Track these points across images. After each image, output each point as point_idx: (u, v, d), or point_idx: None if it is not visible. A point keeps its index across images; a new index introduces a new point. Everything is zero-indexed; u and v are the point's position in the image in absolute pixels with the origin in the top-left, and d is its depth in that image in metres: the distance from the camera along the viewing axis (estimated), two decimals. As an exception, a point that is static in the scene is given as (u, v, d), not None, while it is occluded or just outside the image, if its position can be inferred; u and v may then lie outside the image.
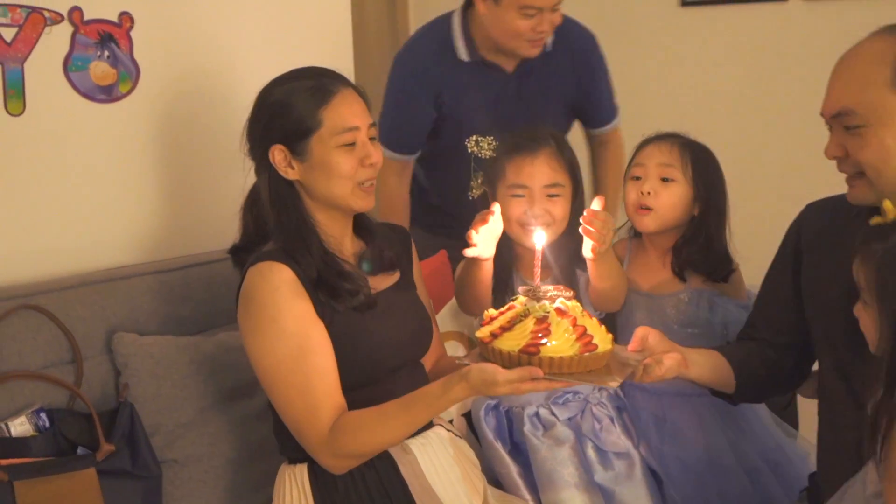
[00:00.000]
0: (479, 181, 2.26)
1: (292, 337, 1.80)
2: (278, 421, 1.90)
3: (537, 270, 1.79)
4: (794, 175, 3.26)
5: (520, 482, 2.08)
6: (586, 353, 1.63)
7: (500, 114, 2.72)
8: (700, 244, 2.22)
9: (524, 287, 1.75)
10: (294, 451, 1.90)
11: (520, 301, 1.74)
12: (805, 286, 1.92)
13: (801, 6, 3.24)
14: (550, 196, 2.13)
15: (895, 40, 1.70)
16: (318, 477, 1.87)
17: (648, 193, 2.18)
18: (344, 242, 1.94)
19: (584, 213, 1.93)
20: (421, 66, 2.79)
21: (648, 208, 2.19)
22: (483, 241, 1.99)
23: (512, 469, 2.09)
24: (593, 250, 1.96)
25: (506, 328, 1.68)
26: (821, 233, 1.91)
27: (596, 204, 1.94)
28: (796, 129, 3.28)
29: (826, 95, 1.77)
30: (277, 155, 1.86)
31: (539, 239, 1.80)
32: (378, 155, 1.89)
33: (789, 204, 3.14)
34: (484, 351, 1.71)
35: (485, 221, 1.98)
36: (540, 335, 1.62)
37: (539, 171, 2.13)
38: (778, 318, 1.99)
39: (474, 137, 2.23)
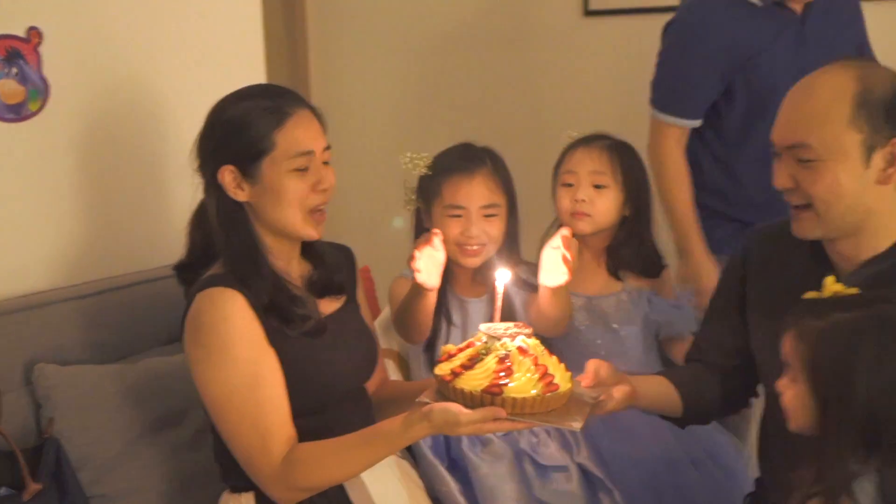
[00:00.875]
0: (413, 197, 2.25)
1: (245, 366, 1.76)
2: (221, 448, 1.86)
3: (498, 306, 1.80)
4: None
5: (461, 500, 2.09)
6: (548, 393, 1.64)
7: (799, 63, 2.48)
8: (634, 244, 2.29)
9: (485, 325, 1.76)
10: (239, 480, 1.86)
11: (479, 338, 1.74)
12: (751, 316, 1.97)
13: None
14: (487, 216, 2.16)
15: (854, 75, 1.72)
16: None
17: (583, 201, 2.24)
18: (292, 265, 1.91)
19: (560, 240, 1.94)
20: (711, 21, 2.62)
21: (584, 214, 2.24)
22: (427, 266, 1.99)
23: (453, 487, 2.10)
24: (568, 276, 1.98)
25: (467, 367, 1.67)
26: (766, 261, 1.95)
27: (565, 232, 1.97)
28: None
29: (780, 125, 1.78)
30: (227, 176, 1.80)
31: (502, 277, 1.81)
32: (331, 179, 1.85)
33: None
34: (444, 389, 1.70)
35: (429, 242, 1.98)
36: (502, 375, 1.63)
37: (476, 192, 2.15)
38: (724, 343, 2.03)
39: (409, 155, 2.21)
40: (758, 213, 2.40)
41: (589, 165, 2.27)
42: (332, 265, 1.97)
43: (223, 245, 1.84)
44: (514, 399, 1.62)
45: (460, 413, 1.63)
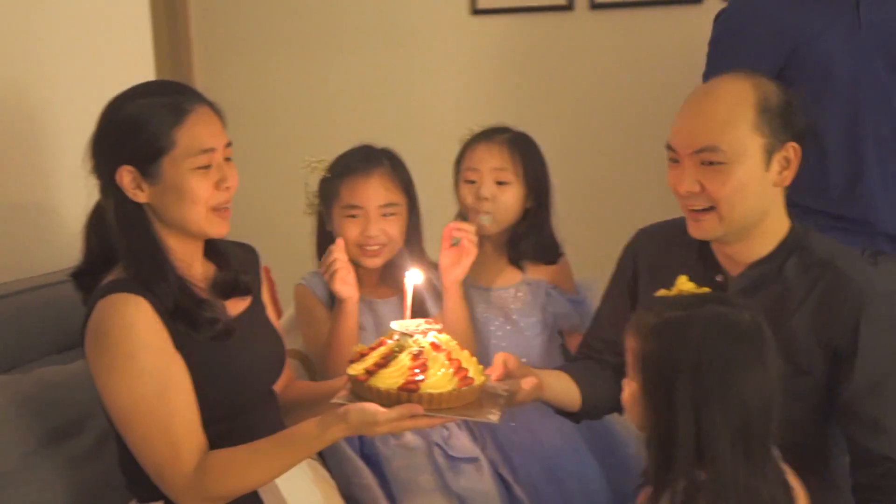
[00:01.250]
0: (315, 201, 2.25)
1: (152, 374, 1.71)
2: (127, 458, 1.81)
3: (408, 303, 1.81)
4: (583, 180, 3.43)
5: (378, 492, 2.10)
6: (464, 387, 1.66)
7: (855, 49, 2.53)
8: (534, 234, 2.33)
9: (396, 322, 1.77)
10: (146, 490, 1.82)
11: (391, 336, 1.75)
12: None
13: (588, 15, 3.40)
14: (386, 215, 2.17)
15: (751, 84, 1.85)
16: None
17: (486, 199, 2.27)
18: (195, 266, 1.87)
19: (451, 225, 2.05)
20: (758, 9, 2.60)
21: (488, 212, 2.29)
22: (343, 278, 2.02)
23: (371, 480, 2.11)
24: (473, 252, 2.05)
25: (381, 365, 1.68)
26: (655, 263, 2.03)
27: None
28: (585, 135, 3.45)
29: (684, 131, 1.86)
30: (126, 176, 1.75)
31: (411, 276, 1.82)
32: (235, 178, 1.82)
33: (580, 206, 3.32)
34: (359, 389, 1.70)
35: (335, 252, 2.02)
36: (417, 371, 1.64)
37: (373, 192, 2.17)
38: (615, 340, 2.06)
39: (308, 158, 2.21)
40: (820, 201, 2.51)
41: (490, 162, 2.30)
42: (237, 265, 1.94)
43: (124, 249, 1.79)
44: (431, 395, 1.63)
45: (378, 412, 1.64)
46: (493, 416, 1.68)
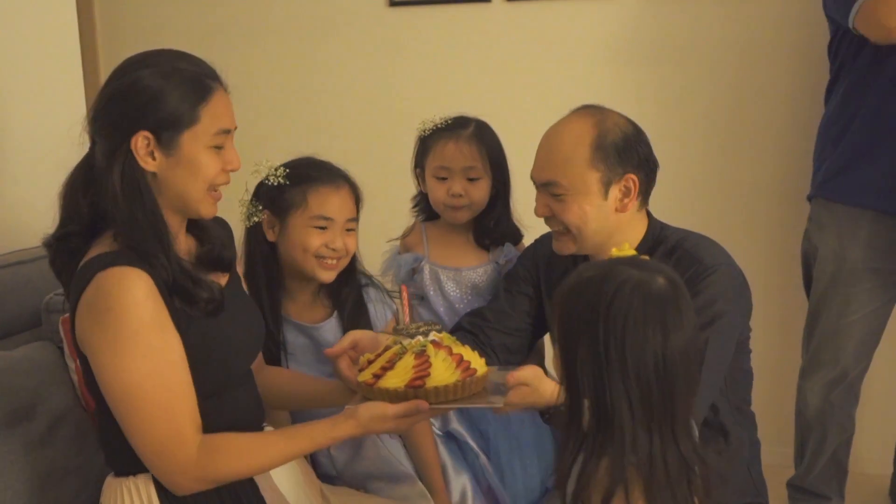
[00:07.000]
0: (260, 208, 2.19)
1: (158, 352, 1.69)
2: (108, 432, 1.79)
3: (407, 310, 1.88)
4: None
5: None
6: (467, 379, 1.76)
7: None
8: (499, 219, 2.45)
9: (397, 327, 1.85)
10: (126, 464, 1.80)
11: (394, 341, 1.83)
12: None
13: (504, 6, 3.48)
14: (348, 230, 2.19)
15: (593, 123, 2.05)
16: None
17: (460, 195, 2.36)
18: (179, 240, 1.84)
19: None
20: None
21: (461, 206, 2.38)
22: None
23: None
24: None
25: (387, 367, 1.76)
26: (550, 267, 2.26)
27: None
28: (502, 127, 3.53)
29: (536, 165, 2.09)
30: (141, 142, 1.72)
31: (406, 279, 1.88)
32: (239, 161, 1.83)
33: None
34: (368, 393, 1.78)
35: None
36: (422, 368, 1.73)
37: (345, 206, 2.17)
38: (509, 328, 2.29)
39: (265, 164, 2.17)
40: None
41: (461, 161, 2.36)
42: (217, 240, 1.93)
43: (125, 217, 1.73)
44: (437, 388, 1.73)
45: (387, 407, 1.72)
46: (497, 402, 1.77)
